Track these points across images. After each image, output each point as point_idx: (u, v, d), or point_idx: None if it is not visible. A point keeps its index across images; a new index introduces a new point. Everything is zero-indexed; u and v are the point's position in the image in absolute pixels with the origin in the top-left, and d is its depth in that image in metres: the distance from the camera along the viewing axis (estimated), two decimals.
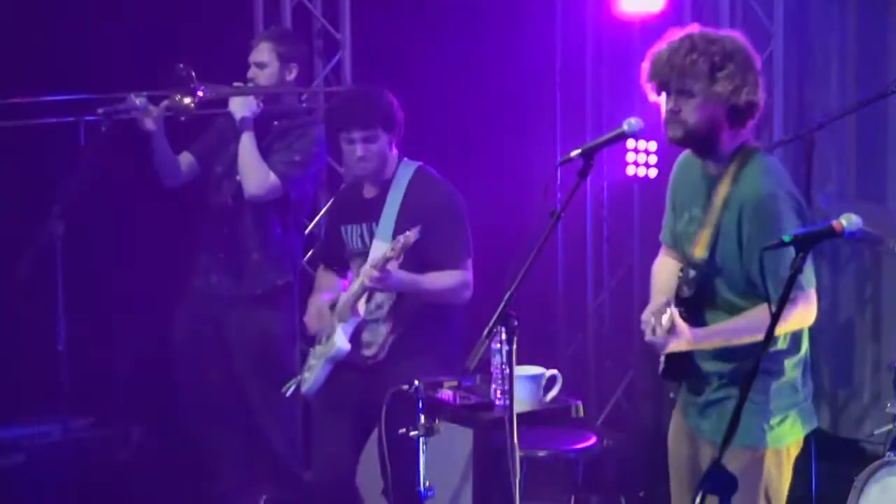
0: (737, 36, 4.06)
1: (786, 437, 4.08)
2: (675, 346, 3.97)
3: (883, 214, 6.49)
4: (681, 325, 3.94)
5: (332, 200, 5.88)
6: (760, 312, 3.89)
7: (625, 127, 4.04)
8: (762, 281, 3.54)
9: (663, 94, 4.04)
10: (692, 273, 4.04)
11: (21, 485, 6.12)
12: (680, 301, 4.03)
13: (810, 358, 4.16)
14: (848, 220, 3.48)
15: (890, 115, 7.14)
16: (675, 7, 7.17)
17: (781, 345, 4.04)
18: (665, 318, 3.96)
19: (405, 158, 5.43)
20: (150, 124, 5.81)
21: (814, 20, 7.45)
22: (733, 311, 4.02)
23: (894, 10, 7.15)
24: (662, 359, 4.11)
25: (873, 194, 7.24)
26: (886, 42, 7.18)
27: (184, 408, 6.20)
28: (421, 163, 5.44)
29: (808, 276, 3.94)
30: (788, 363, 4.07)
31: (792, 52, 7.31)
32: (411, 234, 4.99)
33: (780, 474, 4.08)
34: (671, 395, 4.29)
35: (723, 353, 4.05)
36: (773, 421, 4.03)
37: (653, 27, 6.89)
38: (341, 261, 5.56)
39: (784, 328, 3.96)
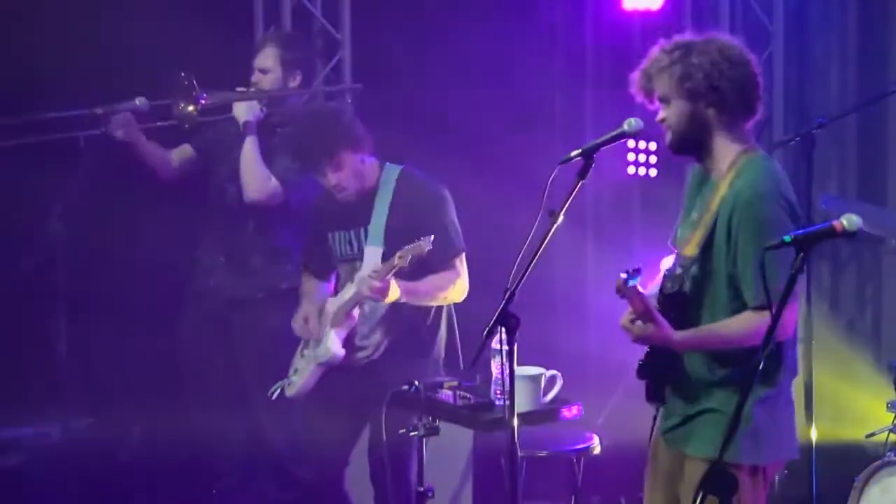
0: (719, 36, 4.04)
1: (763, 456, 3.99)
2: (644, 335, 3.91)
3: (883, 214, 6.48)
4: (659, 319, 3.89)
5: (313, 207, 5.77)
6: (738, 321, 3.90)
7: (625, 127, 4.05)
8: (763, 281, 3.51)
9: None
10: (678, 270, 4.02)
11: (21, 485, 6.11)
12: (663, 297, 4.00)
13: (790, 379, 4.03)
14: (848, 220, 3.47)
15: (890, 115, 7.15)
16: (676, 7, 7.18)
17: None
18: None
19: (387, 163, 5.38)
20: (120, 135, 5.82)
21: (814, 20, 7.45)
22: (718, 310, 3.97)
23: (894, 10, 7.15)
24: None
25: (873, 194, 7.25)
26: (886, 42, 7.18)
27: (185, 408, 6.19)
28: (404, 165, 5.39)
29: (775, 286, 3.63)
30: (761, 380, 3.86)
31: (792, 52, 7.31)
32: (424, 244, 4.96)
33: (755, 493, 3.99)
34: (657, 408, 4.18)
35: (716, 358, 3.98)
36: (751, 437, 3.91)
37: (653, 27, 6.89)
38: (327, 266, 5.53)
39: (743, 332, 3.90)
